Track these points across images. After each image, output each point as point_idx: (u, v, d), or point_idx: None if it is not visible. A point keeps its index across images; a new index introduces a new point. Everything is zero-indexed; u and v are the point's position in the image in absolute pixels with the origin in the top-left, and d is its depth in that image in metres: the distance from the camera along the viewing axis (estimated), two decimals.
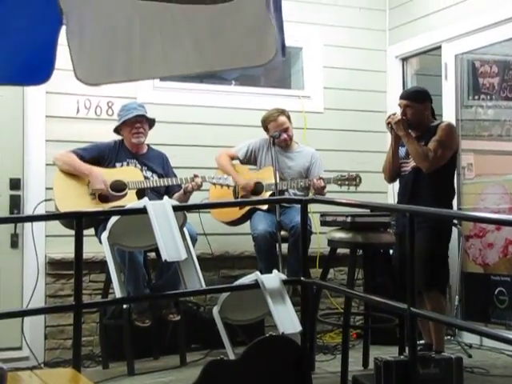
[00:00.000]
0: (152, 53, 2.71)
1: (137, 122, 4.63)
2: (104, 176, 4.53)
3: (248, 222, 4.97)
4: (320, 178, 4.76)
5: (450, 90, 5.43)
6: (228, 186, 4.73)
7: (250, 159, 5.12)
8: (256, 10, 2.13)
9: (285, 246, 4.71)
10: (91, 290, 4.84)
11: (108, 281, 4.38)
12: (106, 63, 2.80)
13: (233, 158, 5.12)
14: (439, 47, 5.51)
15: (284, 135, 4.98)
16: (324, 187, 4.76)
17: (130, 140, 4.67)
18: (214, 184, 4.76)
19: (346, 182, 4.71)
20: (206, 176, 4.71)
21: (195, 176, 4.62)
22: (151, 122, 4.73)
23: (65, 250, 4.52)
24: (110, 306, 4.69)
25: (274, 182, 4.70)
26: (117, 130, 4.73)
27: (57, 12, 2.63)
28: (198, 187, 4.63)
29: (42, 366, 4.70)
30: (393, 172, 4.48)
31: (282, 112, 5.02)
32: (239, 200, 4.98)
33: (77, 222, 3.35)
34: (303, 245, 3.99)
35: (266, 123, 5.03)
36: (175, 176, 4.75)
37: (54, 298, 4.84)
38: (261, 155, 5.08)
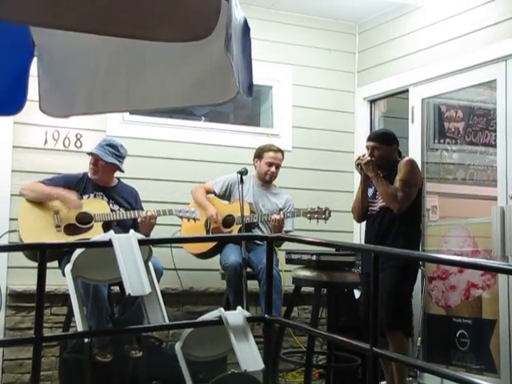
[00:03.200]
0: (115, 87, 2.72)
1: (92, 159, 4.65)
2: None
3: (215, 257, 4.97)
4: (280, 210, 4.80)
5: (416, 132, 5.52)
6: (194, 219, 4.73)
7: (225, 194, 5.15)
8: (217, 51, 2.16)
9: (254, 283, 4.71)
10: (52, 323, 4.78)
11: (70, 314, 4.32)
12: (70, 95, 2.81)
13: (209, 191, 5.16)
14: (406, 91, 5.62)
15: (273, 169, 5.09)
16: (281, 220, 4.82)
17: None
18: (181, 217, 4.75)
19: (316, 216, 4.73)
20: (174, 209, 4.70)
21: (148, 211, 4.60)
22: (115, 166, 4.67)
23: (27, 281, 4.47)
24: (70, 340, 4.61)
25: (245, 215, 4.74)
26: None
27: (29, 44, 2.64)
28: (150, 219, 4.58)
29: None
30: (362, 212, 4.50)
31: (282, 151, 5.18)
32: (206, 236, 5.00)
33: (40, 253, 3.31)
34: (268, 282, 3.99)
35: (262, 150, 5.13)
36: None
37: (13, 331, 4.76)
38: (236, 190, 5.07)
